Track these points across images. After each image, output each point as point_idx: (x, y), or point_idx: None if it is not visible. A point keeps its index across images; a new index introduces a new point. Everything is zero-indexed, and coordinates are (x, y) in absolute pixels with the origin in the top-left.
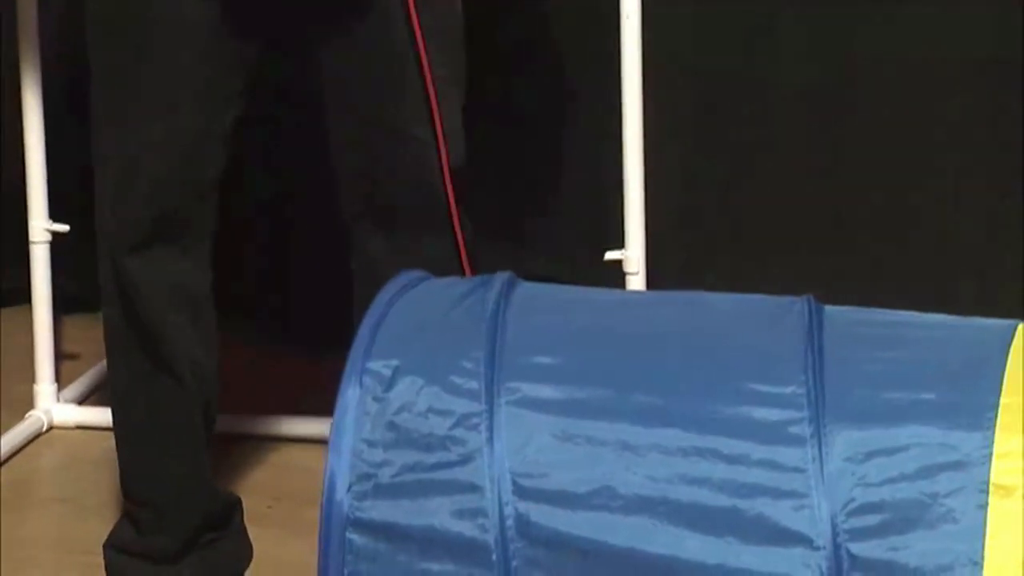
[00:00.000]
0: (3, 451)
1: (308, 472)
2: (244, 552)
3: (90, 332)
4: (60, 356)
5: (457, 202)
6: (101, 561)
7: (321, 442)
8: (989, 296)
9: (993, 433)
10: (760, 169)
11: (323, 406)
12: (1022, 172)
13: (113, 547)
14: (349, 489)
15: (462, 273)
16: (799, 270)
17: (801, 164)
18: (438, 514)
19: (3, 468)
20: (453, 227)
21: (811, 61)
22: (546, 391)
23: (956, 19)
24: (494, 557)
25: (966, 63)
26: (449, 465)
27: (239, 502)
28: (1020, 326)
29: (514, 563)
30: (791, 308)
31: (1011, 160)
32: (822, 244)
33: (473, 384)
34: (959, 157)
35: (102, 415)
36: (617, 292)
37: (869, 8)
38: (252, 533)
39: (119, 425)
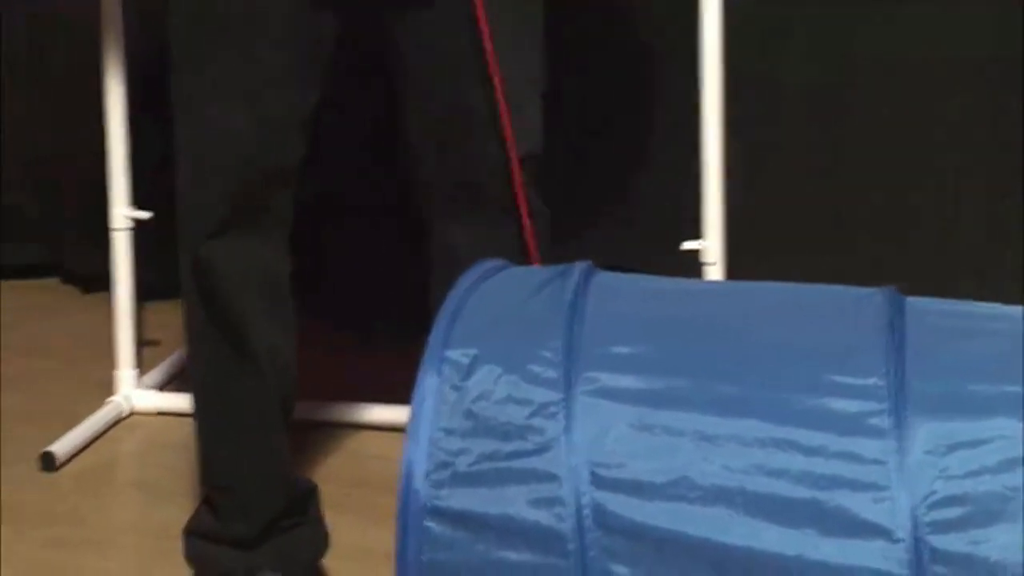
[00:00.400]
0: (84, 436)
1: (385, 460)
2: (321, 539)
3: (171, 319)
4: (141, 342)
5: (534, 190)
6: (180, 546)
7: (398, 430)
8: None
9: None
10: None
11: (400, 394)
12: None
13: (192, 533)
14: (427, 477)
15: (531, 260)
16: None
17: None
18: (515, 503)
19: (84, 453)
20: (524, 215)
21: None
22: (624, 381)
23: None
24: (571, 547)
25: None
26: (526, 454)
27: (316, 489)
28: None
29: (591, 553)
30: (871, 299)
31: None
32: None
33: (551, 373)
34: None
35: (182, 401)
36: (696, 281)
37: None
38: (329, 520)
39: (198, 411)
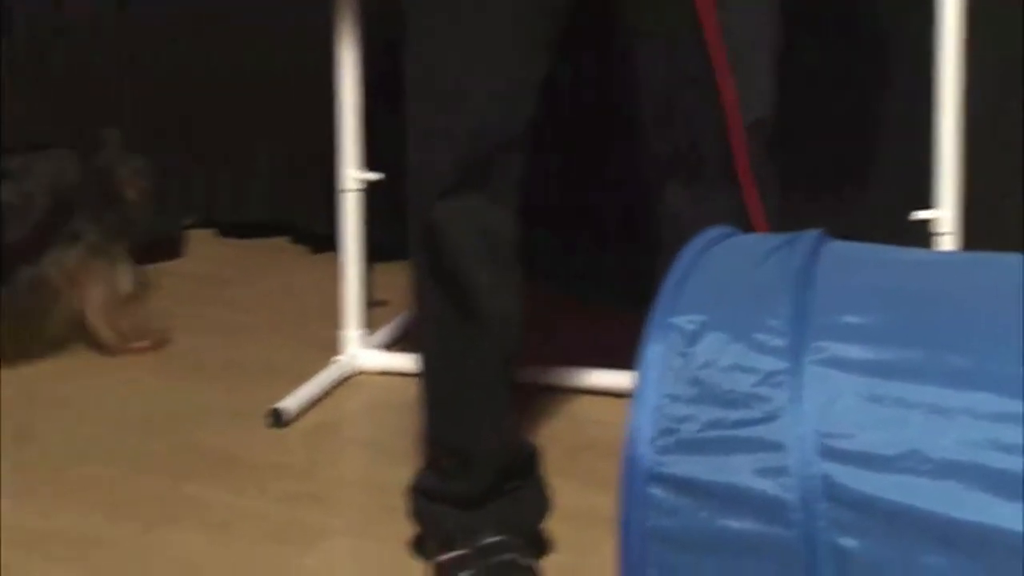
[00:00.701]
0: (312, 393)
1: (605, 424)
2: (543, 502)
3: (399, 280)
4: (369, 303)
5: (764, 157)
6: (403, 504)
7: (620, 395)
8: None
9: None
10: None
11: (623, 359)
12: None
13: (417, 491)
14: (651, 443)
15: (757, 228)
16: None
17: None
18: (740, 472)
19: (312, 411)
20: (748, 183)
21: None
22: (854, 351)
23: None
24: (796, 517)
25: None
26: (752, 423)
27: (539, 452)
28: None
29: (819, 523)
30: None
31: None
32: None
33: (779, 342)
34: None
35: (407, 362)
36: (929, 251)
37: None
38: (551, 483)
39: (425, 371)
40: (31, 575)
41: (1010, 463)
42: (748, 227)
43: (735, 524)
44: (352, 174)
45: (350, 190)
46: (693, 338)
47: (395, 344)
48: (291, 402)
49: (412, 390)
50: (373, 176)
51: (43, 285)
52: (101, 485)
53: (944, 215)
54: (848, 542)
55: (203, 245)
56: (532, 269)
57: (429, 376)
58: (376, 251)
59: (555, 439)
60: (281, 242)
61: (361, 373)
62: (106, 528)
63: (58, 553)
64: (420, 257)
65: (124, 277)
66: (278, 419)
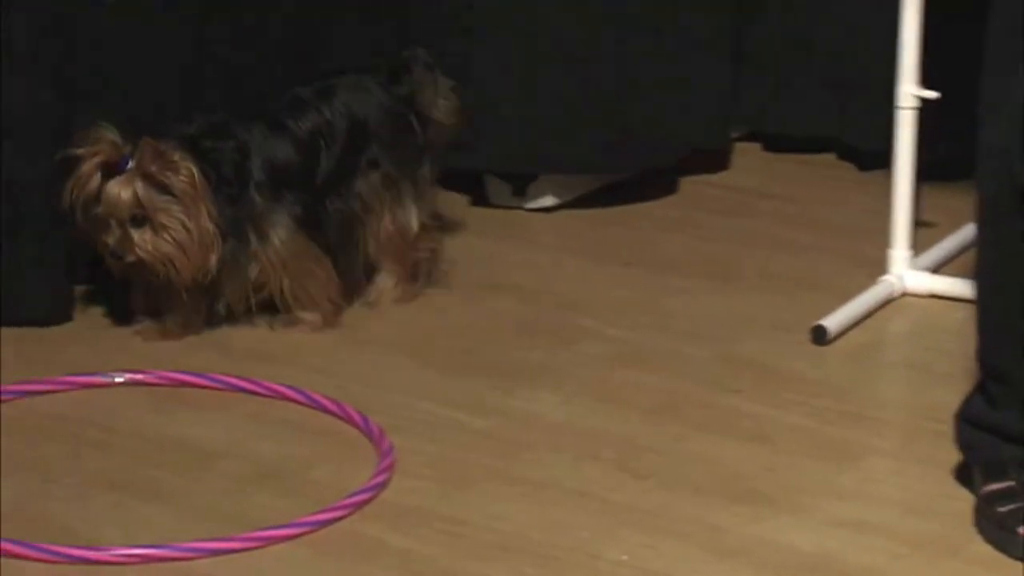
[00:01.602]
0: (855, 313)
1: None
2: None
3: (949, 202)
4: (917, 223)
5: None
6: (949, 430)
7: None
8: None
9: None
10: None
11: None
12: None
13: (964, 418)
14: None
15: None
16: None
17: None
18: None
19: (854, 330)
20: None
21: None
22: None
23: None
24: None
25: None
26: None
27: None
28: None
29: None
30: None
31: None
32: None
33: None
34: None
35: (955, 285)
36: None
37: None
38: None
39: (981, 296)
40: (576, 473)
41: None
42: None
43: None
44: (910, 91)
45: (907, 108)
46: None
47: (942, 267)
48: (834, 320)
49: (960, 314)
50: (930, 94)
51: (348, 218)
52: (641, 388)
53: None
54: None
55: (749, 158)
56: None
57: (986, 301)
58: (924, 170)
59: None
60: (828, 158)
61: (906, 295)
62: (643, 431)
63: (606, 454)
64: (992, 182)
65: (411, 211)
66: (821, 336)
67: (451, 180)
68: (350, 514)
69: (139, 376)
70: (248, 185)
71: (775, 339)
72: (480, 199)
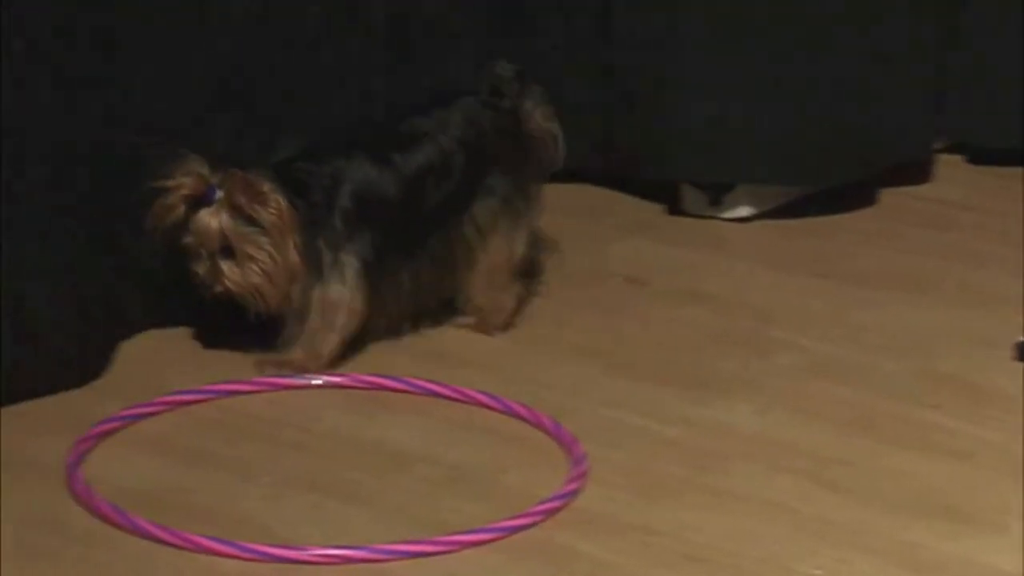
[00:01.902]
0: None
1: None
2: None
3: None
4: None
5: None
6: None
7: None
8: None
9: None
10: None
11: None
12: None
13: None
14: None
15: None
16: None
17: None
18: None
19: None
20: None
21: None
22: None
23: None
24: None
25: None
26: None
27: None
28: None
29: None
30: None
31: None
32: None
33: None
34: None
35: None
36: None
37: None
38: None
39: None
40: (769, 484)
41: None
42: None
43: None
44: None
45: None
46: None
47: None
48: None
49: None
50: None
51: (457, 244)
52: (835, 401)
53: None
54: None
55: (952, 170)
56: None
57: None
58: None
59: None
60: None
61: None
62: (837, 443)
63: (799, 466)
64: None
65: (523, 233)
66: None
67: (647, 189)
68: (543, 520)
69: (336, 379)
70: (334, 211)
71: (974, 354)
72: (676, 208)
